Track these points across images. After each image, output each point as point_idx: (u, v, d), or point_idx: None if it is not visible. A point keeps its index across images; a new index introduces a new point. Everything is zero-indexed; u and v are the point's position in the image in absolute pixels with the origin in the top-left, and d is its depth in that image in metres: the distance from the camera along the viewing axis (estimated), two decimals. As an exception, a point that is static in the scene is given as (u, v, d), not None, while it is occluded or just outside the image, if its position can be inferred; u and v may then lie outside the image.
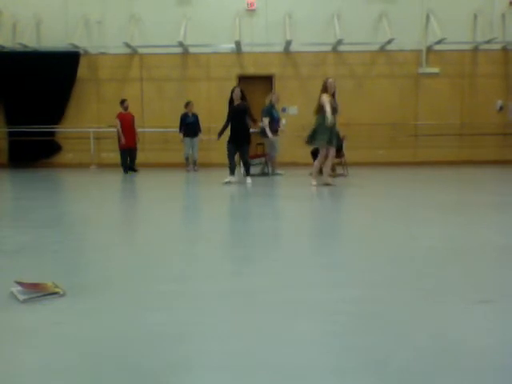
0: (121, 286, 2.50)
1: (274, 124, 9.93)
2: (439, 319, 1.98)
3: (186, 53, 12.86)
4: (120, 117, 10.92)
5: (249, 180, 8.33)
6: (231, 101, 8.47)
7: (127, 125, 10.91)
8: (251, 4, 13.06)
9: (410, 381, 1.47)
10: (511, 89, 13.18)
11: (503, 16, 13.05)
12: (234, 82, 12.93)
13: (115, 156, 11.34)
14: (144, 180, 9.46)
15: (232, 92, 8.51)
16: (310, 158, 10.32)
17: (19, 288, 2.35)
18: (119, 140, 10.87)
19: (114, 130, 11.12)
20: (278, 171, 10.14)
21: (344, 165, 9.96)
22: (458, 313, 2.04)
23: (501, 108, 13.35)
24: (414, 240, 3.61)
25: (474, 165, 12.60)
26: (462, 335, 1.81)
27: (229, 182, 8.18)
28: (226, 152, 8.40)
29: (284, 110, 13.32)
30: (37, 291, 2.30)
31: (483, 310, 2.08)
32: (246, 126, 8.42)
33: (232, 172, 8.42)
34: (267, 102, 10.20)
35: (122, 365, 1.60)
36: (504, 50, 13.09)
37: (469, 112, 13.31)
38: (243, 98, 8.52)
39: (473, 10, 13.08)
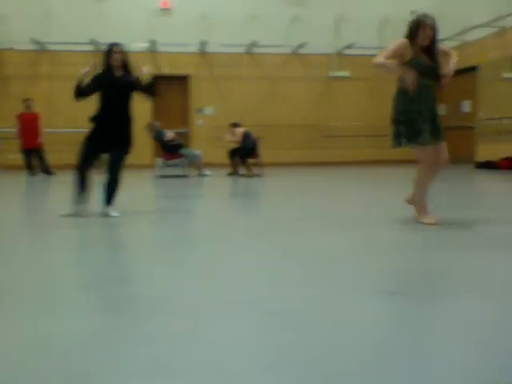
0: (30, 293, 2.41)
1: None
2: (352, 313, 2.10)
3: (98, 51, 12.50)
4: (20, 117, 10.43)
5: (114, 212, 4.68)
6: (107, 69, 4.87)
7: (29, 125, 10.39)
8: (165, 3, 12.95)
9: (335, 377, 1.55)
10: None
11: (407, 23, 13.82)
12: (149, 82, 12.71)
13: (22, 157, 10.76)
14: (44, 181, 9.10)
15: (108, 54, 4.89)
16: (226, 158, 10.43)
17: None
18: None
19: (15, 130, 10.58)
20: (205, 172, 10.12)
21: (259, 165, 10.12)
22: (368, 305, 2.17)
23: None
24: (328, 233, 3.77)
25: (384, 164, 13.25)
26: (375, 327, 1.93)
27: (75, 214, 4.68)
28: (80, 154, 4.77)
29: (200, 110, 13.33)
30: None
31: (392, 301, 2.23)
32: (129, 117, 4.86)
33: (81, 193, 4.75)
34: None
35: (34, 374, 1.56)
36: (408, 55, 13.86)
37: (377, 114, 13.97)
38: (126, 67, 4.91)
39: (380, 17, 13.75)
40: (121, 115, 4.82)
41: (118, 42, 5.19)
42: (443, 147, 4.06)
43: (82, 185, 4.74)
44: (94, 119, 4.85)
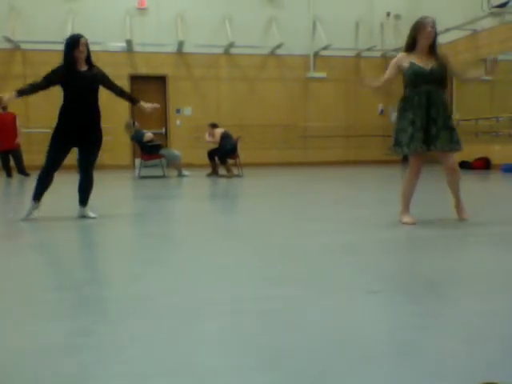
0: (3, 296, 2.36)
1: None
2: (336, 312, 2.10)
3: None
4: None
5: (92, 213, 4.69)
6: (70, 64, 4.48)
7: (5, 126, 10.22)
8: (141, 2, 12.86)
9: (309, 375, 1.55)
10: (391, 94, 14.20)
11: (382, 25, 14.02)
12: (125, 82, 12.62)
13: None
14: (21, 183, 8.93)
15: (74, 46, 4.45)
16: (205, 159, 10.41)
17: None
18: None
19: None
20: (185, 172, 10.14)
21: (239, 166, 10.12)
22: (351, 305, 2.18)
23: (382, 111, 14.36)
24: (307, 235, 3.78)
25: (360, 165, 13.36)
26: (355, 326, 1.94)
27: (30, 218, 4.54)
28: (47, 154, 4.54)
29: (178, 111, 13.27)
30: None
31: (373, 300, 2.25)
32: (98, 113, 4.64)
33: (38, 197, 4.58)
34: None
35: (5, 378, 1.53)
36: (383, 57, 14.05)
37: (354, 115, 14.12)
38: (89, 60, 4.59)
39: (354, 19, 13.89)
40: (89, 111, 4.57)
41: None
42: (446, 156, 4.08)
43: (44, 188, 4.56)
44: (60, 115, 4.56)
